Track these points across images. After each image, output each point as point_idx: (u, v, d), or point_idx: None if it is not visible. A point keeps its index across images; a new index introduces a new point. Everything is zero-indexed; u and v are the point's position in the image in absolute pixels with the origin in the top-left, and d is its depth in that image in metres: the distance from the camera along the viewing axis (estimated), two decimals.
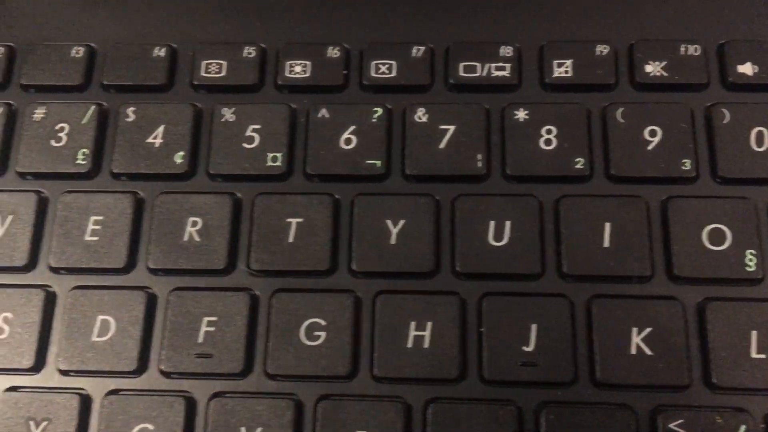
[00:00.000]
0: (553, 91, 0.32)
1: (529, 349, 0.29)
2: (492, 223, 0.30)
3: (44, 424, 0.29)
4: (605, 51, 0.32)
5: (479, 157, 0.31)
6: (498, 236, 0.30)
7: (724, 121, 0.31)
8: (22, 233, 0.31)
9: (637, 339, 0.29)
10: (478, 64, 0.32)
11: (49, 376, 0.30)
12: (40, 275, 0.31)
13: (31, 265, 0.31)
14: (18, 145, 0.33)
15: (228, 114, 0.32)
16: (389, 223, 0.30)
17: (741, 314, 0.28)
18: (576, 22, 0.33)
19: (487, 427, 0.28)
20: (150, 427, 0.28)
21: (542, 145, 0.31)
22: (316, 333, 0.29)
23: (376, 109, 0.32)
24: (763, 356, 0.28)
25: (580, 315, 0.29)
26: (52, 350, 0.30)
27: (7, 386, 0.30)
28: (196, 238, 0.31)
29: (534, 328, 0.29)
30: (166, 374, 0.29)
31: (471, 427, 0.28)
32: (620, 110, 0.31)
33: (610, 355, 0.28)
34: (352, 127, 0.32)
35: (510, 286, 0.30)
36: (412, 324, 0.29)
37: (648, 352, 0.28)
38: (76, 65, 0.33)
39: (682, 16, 0.33)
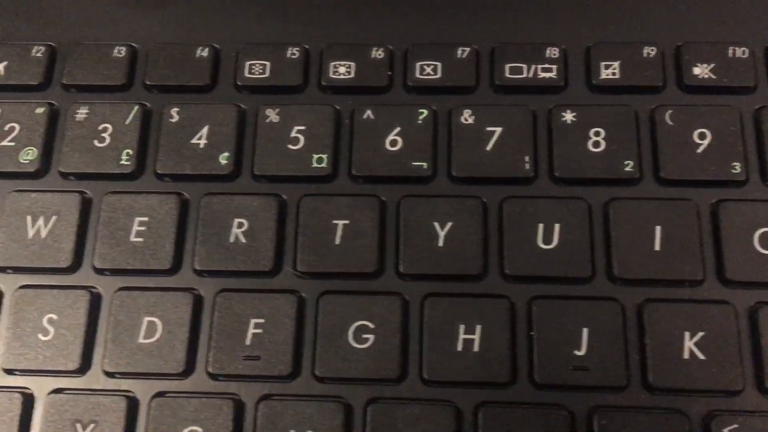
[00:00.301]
0: (600, 92, 0.32)
1: (581, 353, 0.28)
2: (541, 226, 0.30)
3: (91, 426, 0.29)
4: (653, 53, 0.32)
5: (527, 159, 0.31)
6: (547, 239, 0.30)
7: None
8: (66, 234, 0.31)
9: (689, 343, 0.28)
10: (524, 66, 0.32)
11: (94, 378, 0.29)
12: (84, 276, 0.31)
13: (75, 267, 0.31)
14: (61, 145, 0.32)
15: (272, 115, 0.32)
16: (436, 225, 0.30)
17: None
18: (621, 24, 0.33)
19: (538, 431, 0.28)
20: (198, 429, 0.28)
21: (590, 148, 0.31)
22: (365, 336, 0.29)
23: (421, 110, 0.32)
24: None
25: (632, 319, 0.29)
26: (98, 352, 0.30)
27: (52, 388, 0.29)
28: (242, 240, 0.30)
29: (585, 332, 0.29)
30: (214, 376, 0.29)
31: (523, 430, 0.28)
32: (669, 112, 0.31)
33: (663, 359, 0.28)
34: (398, 129, 0.32)
35: (560, 290, 0.29)
36: (461, 327, 0.29)
37: (701, 356, 0.28)
38: (118, 65, 0.33)
39: (729, 18, 0.33)
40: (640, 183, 0.31)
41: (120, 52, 0.33)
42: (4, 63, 0.34)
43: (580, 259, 0.29)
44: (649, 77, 0.32)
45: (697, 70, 0.32)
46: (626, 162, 0.30)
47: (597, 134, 0.31)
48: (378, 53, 0.33)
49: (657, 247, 0.29)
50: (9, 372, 0.30)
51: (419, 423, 0.28)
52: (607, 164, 0.31)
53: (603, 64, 0.32)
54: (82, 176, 0.32)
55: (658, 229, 0.30)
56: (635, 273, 0.29)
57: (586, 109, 0.31)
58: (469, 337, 0.29)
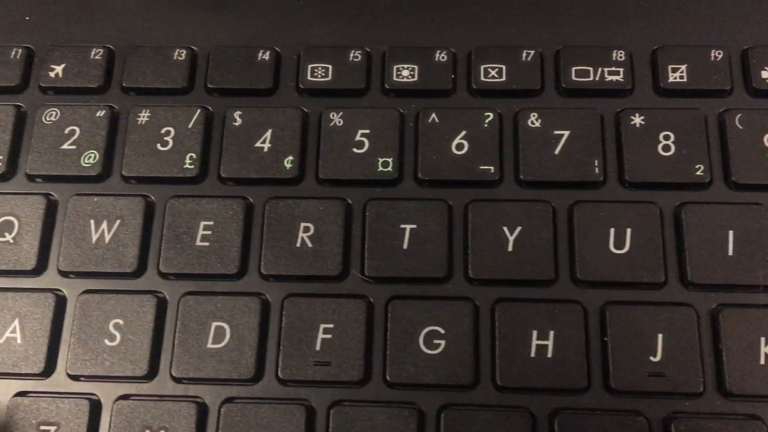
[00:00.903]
0: (668, 96, 0.32)
1: (656, 359, 0.28)
2: (612, 231, 0.30)
3: None
4: (720, 56, 0.32)
5: (596, 162, 0.30)
6: (619, 244, 0.29)
7: None
8: (131, 239, 0.31)
9: (766, 349, 0.28)
10: (590, 69, 0.32)
11: (162, 384, 0.29)
12: (149, 281, 0.30)
13: (140, 271, 0.30)
14: (122, 148, 0.32)
15: (336, 118, 0.32)
16: (505, 229, 0.30)
17: None
18: (687, 27, 0.33)
19: None
20: None
21: (661, 151, 0.31)
22: (436, 341, 0.29)
23: (487, 113, 0.32)
24: None
25: (706, 324, 0.29)
26: (165, 357, 0.29)
27: (120, 394, 0.29)
28: (309, 244, 0.30)
29: (660, 337, 0.28)
30: (283, 382, 0.29)
31: None
32: (738, 116, 0.31)
33: (739, 365, 0.28)
34: (463, 132, 0.31)
35: (633, 295, 0.29)
36: (534, 333, 0.29)
37: None
38: (178, 68, 0.33)
39: None
40: (711, 187, 0.30)
41: (180, 55, 0.33)
42: (63, 65, 0.33)
43: (652, 264, 0.29)
44: (717, 81, 0.32)
45: (765, 74, 0.31)
46: (697, 166, 0.30)
47: (667, 138, 0.31)
48: (441, 56, 0.33)
49: (730, 252, 0.29)
50: (75, 378, 0.29)
51: (493, 429, 0.28)
52: (678, 168, 0.30)
53: (670, 67, 0.32)
54: (144, 180, 0.32)
55: (730, 233, 0.29)
56: (709, 278, 0.29)
57: (655, 113, 0.31)
58: (543, 342, 0.28)
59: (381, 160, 0.31)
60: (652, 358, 0.28)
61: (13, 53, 0.34)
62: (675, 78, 0.32)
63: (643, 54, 0.32)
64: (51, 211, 0.31)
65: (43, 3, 0.35)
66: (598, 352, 0.29)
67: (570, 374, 0.28)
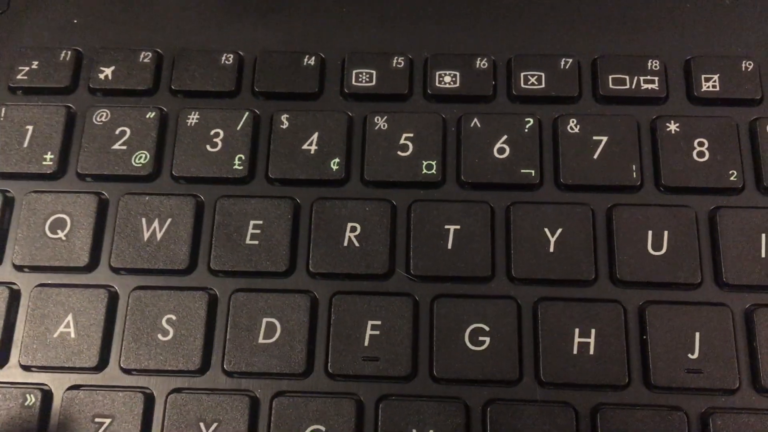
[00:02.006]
0: (701, 104, 0.33)
1: (694, 356, 0.29)
2: (650, 233, 0.31)
3: (214, 425, 0.29)
4: (750, 67, 0.33)
5: (634, 167, 0.32)
6: (657, 246, 0.30)
7: None
8: (182, 237, 0.31)
9: None
10: (626, 77, 0.33)
11: (214, 378, 0.30)
12: (200, 278, 0.31)
13: (191, 269, 0.31)
14: (171, 149, 0.33)
15: (380, 122, 0.33)
16: (546, 231, 0.31)
17: None
18: (718, 38, 0.34)
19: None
20: (321, 428, 0.29)
21: (695, 157, 0.32)
22: (481, 338, 0.30)
23: (527, 119, 0.33)
24: None
25: (740, 323, 0.30)
26: (216, 352, 0.30)
27: (173, 387, 0.30)
28: (356, 244, 0.31)
29: (697, 336, 0.29)
30: (333, 376, 0.30)
31: (640, 431, 0.28)
32: None
33: None
34: (504, 137, 0.32)
35: (671, 295, 0.30)
36: (576, 331, 0.30)
37: None
38: (226, 72, 0.34)
39: None
40: (743, 192, 0.31)
41: (227, 59, 0.34)
42: (112, 68, 0.34)
43: (688, 265, 0.30)
44: (748, 90, 0.33)
45: None
46: (731, 171, 0.31)
47: (701, 144, 0.32)
48: (482, 63, 0.34)
49: (763, 254, 0.30)
50: (127, 372, 0.30)
51: (537, 424, 0.29)
52: (712, 174, 0.31)
53: (703, 77, 0.33)
54: (194, 180, 0.33)
55: (763, 236, 0.30)
56: (743, 279, 0.30)
57: (689, 120, 0.32)
58: (585, 340, 0.29)
59: (425, 163, 0.32)
60: (689, 356, 0.29)
61: (63, 55, 0.34)
62: (708, 87, 0.33)
63: (676, 64, 0.33)
64: (102, 209, 0.32)
65: (90, 6, 0.36)
66: (638, 349, 0.30)
67: (611, 371, 0.29)
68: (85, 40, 0.35)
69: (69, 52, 0.34)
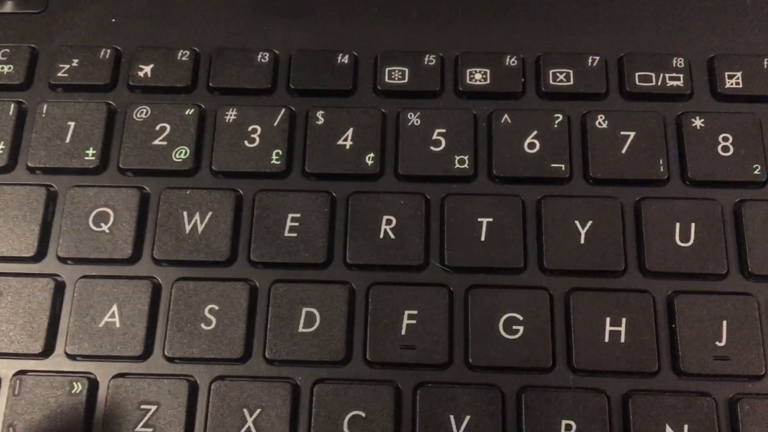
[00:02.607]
0: (725, 101, 0.34)
1: (722, 344, 0.30)
2: (677, 225, 0.32)
3: (258, 411, 0.30)
4: None
5: (661, 162, 0.33)
6: (684, 237, 0.31)
7: None
8: (222, 229, 0.32)
9: None
10: (652, 74, 0.34)
11: (256, 366, 0.31)
12: (240, 269, 0.32)
13: (231, 260, 0.32)
14: (211, 144, 0.34)
15: (413, 118, 0.34)
16: (577, 223, 0.32)
17: None
18: (740, 36, 0.35)
19: (686, 417, 0.29)
20: (362, 413, 0.30)
21: (720, 152, 0.33)
22: (515, 327, 0.31)
23: (557, 115, 0.34)
24: None
25: (765, 312, 0.31)
26: (258, 341, 0.31)
27: (216, 375, 0.31)
28: (392, 236, 0.32)
29: (724, 324, 0.30)
30: (371, 364, 0.31)
31: (670, 416, 0.29)
32: None
33: None
34: (534, 132, 0.33)
35: (698, 285, 0.31)
36: (607, 320, 0.31)
37: None
38: (263, 70, 0.35)
39: None
40: (767, 185, 0.32)
41: (263, 57, 0.35)
42: (151, 66, 0.35)
43: (715, 256, 0.31)
44: None
45: None
46: (754, 166, 0.32)
47: (725, 140, 0.33)
48: (512, 61, 0.35)
49: None
50: (171, 360, 0.31)
51: (571, 409, 0.30)
52: (736, 168, 0.32)
53: (726, 74, 0.34)
54: (232, 174, 0.33)
55: None
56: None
57: (713, 116, 0.33)
58: (616, 329, 0.30)
59: (457, 157, 0.33)
60: (717, 343, 0.30)
61: (102, 53, 0.35)
62: (731, 84, 0.34)
63: (700, 61, 0.34)
64: (144, 203, 0.33)
65: (127, 6, 0.37)
66: (667, 337, 0.31)
67: (641, 358, 0.30)
68: (123, 39, 0.36)
69: (108, 51, 0.35)
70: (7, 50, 0.36)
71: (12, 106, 0.35)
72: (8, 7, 0.37)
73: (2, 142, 0.34)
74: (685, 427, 0.29)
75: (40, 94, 0.35)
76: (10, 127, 0.34)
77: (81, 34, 0.36)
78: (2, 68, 0.35)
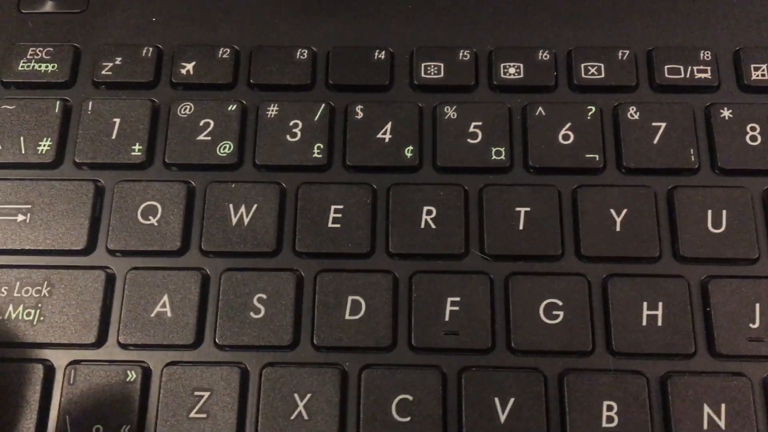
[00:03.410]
0: (751, 92, 0.35)
1: (755, 326, 0.31)
2: (709, 212, 0.33)
3: (308, 396, 0.31)
4: None
5: (692, 151, 0.34)
6: (716, 224, 0.33)
7: None
8: (267, 222, 0.33)
9: None
10: (681, 67, 0.35)
11: (304, 352, 0.32)
12: (286, 259, 0.33)
13: (277, 251, 0.33)
14: (253, 139, 0.35)
15: (450, 112, 0.35)
16: (612, 212, 0.33)
17: None
18: (764, 29, 0.36)
19: (723, 397, 0.30)
20: (409, 397, 0.31)
21: (748, 141, 0.34)
22: (555, 312, 0.32)
23: (590, 107, 0.35)
24: None
25: None
26: (305, 328, 0.32)
27: (266, 362, 0.32)
28: (432, 226, 0.33)
29: (757, 306, 0.31)
30: (416, 349, 0.32)
31: (708, 397, 0.30)
32: None
33: None
34: (568, 124, 0.34)
35: (731, 270, 0.32)
36: (644, 304, 0.32)
37: None
38: (302, 67, 0.36)
39: None
40: None
41: (302, 54, 0.36)
42: (193, 63, 0.36)
43: (746, 241, 0.32)
44: None
45: None
46: None
47: (753, 129, 0.34)
48: (544, 55, 0.36)
49: None
50: (221, 348, 0.32)
51: (611, 391, 0.31)
52: (765, 156, 0.34)
53: (753, 66, 0.35)
54: (275, 168, 0.34)
55: None
56: None
57: (740, 107, 0.34)
58: (653, 313, 0.31)
59: (494, 149, 0.34)
60: (751, 325, 0.31)
61: (145, 51, 0.36)
62: (757, 76, 0.35)
63: (726, 54, 0.36)
64: (190, 196, 0.34)
65: (167, 5, 0.38)
66: (702, 320, 0.32)
67: (678, 341, 0.31)
68: (163, 38, 0.37)
69: (150, 49, 0.36)
70: (51, 49, 0.37)
71: (57, 103, 0.36)
72: (49, 7, 0.38)
73: (49, 139, 0.35)
74: (722, 406, 0.30)
75: (84, 92, 0.36)
76: (57, 124, 0.35)
77: (122, 33, 0.37)
78: (46, 67, 0.36)
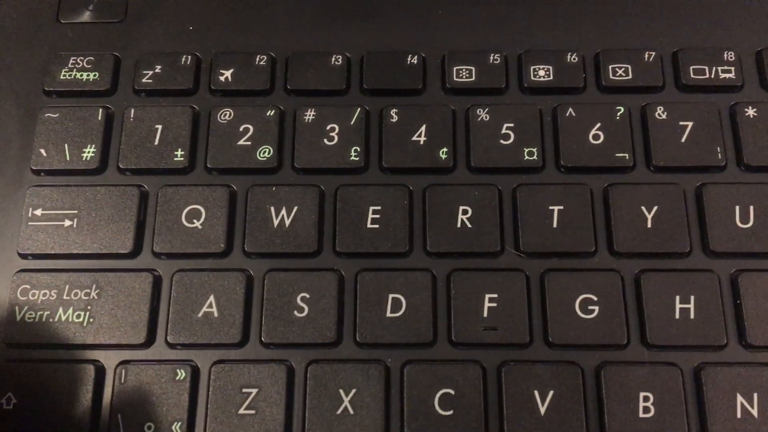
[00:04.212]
0: None
1: None
2: (737, 208, 0.34)
3: (353, 391, 0.32)
4: None
5: (719, 149, 0.35)
6: (744, 220, 0.34)
7: None
8: (307, 223, 0.34)
9: None
10: (705, 68, 0.36)
11: (347, 349, 0.33)
12: (327, 259, 0.34)
13: (318, 252, 0.34)
14: (292, 143, 0.36)
15: (483, 114, 0.36)
16: (643, 209, 0.34)
17: None
18: None
19: (755, 386, 0.31)
20: (451, 391, 0.32)
21: None
22: (590, 307, 0.33)
23: (618, 107, 0.36)
24: None
25: None
26: (347, 326, 0.33)
27: (311, 359, 0.33)
28: (468, 225, 0.34)
29: None
30: (455, 344, 0.33)
31: (741, 386, 0.31)
32: None
33: None
34: (598, 124, 0.35)
35: (760, 264, 0.33)
36: (677, 298, 0.33)
37: None
38: (337, 72, 0.37)
39: None
40: None
41: (337, 60, 0.37)
42: (231, 70, 0.37)
43: None
44: None
45: None
46: None
47: None
48: (573, 58, 0.37)
49: None
50: (266, 346, 0.33)
51: (647, 382, 0.32)
52: None
53: None
54: (314, 171, 0.35)
55: None
56: None
57: (764, 106, 0.35)
58: (685, 306, 0.33)
59: (526, 150, 0.35)
60: None
61: (184, 59, 0.37)
62: None
63: (749, 54, 0.37)
64: (233, 200, 0.35)
65: (203, 14, 0.39)
66: (732, 313, 0.33)
67: (711, 333, 0.32)
68: (201, 46, 0.38)
69: (189, 57, 0.37)
70: (92, 58, 0.38)
71: (100, 111, 0.37)
72: (87, 17, 0.39)
73: (93, 146, 0.36)
74: (755, 395, 0.31)
75: (125, 99, 0.37)
76: (100, 131, 0.36)
77: (160, 41, 0.38)
78: (87, 75, 0.37)
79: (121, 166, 0.36)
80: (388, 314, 0.33)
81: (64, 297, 0.34)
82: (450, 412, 0.32)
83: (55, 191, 0.35)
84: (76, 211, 0.35)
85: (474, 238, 0.34)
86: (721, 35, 0.37)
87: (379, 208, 0.34)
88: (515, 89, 0.37)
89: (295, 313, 0.33)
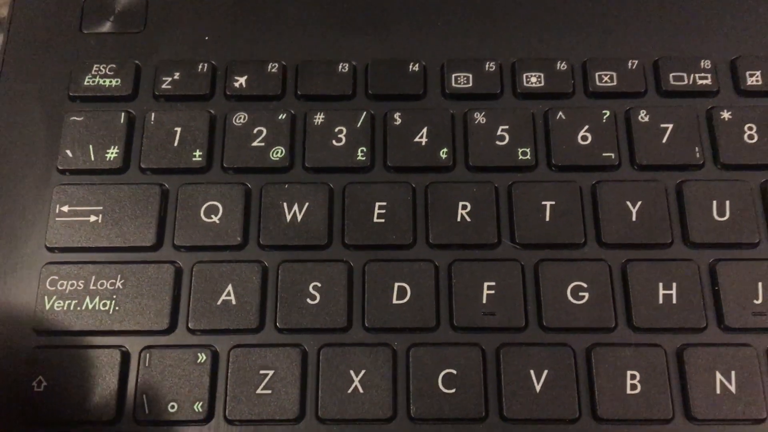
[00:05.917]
0: (747, 96, 0.39)
1: (758, 302, 0.35)
2: (714, 203, 0.37)
3: (362, 372, 0.34)
4: None
5: (697, 149, 0.38)
6: (720, 213, 0.37)
7: None
8: (318, 218, 0.37)
9: None
10: (684, 74, 0.39)
11: (357, 333, 0.35)
12: (336, 251, 0.37)
13: (328, 244, 0.37)
14: (302, 144, 0.38)
15: (479, 117, 0.39)
16: (629, 204, 0.37)
17: None
18: (758, 39, 0.40)
19: (732, 365, 0.34)
20: (454, 371, 0.34)
21: (746, 140, 0.38)
22: (581, 294, 0.35)
23: (604, 111, 0.39)
24: None
25: None
26: (357, 312, 0.36)
27: (323, 343, 0.35)
28: (468, 219, 0.37)
29: (760, 285, 0.35)
30: (457, 329, 0.35)
31: (719, 365, 0.34)
32: None
33: None
34: (586, 126, 0.38)
35: (735, 253, 0.36)
36: (660, 285, 0.35)
37: None
38: (344, 79, 0.40)
39: None
40: None
41: (344, 67, 0.40)
42: (245, 77, 0.40)
43: (748, 228, 0.36)
44: None
45: None
46: None
47: (750, 129, 0.38)
48: (562, 66, 0.40)
49: None
50: (281, 331, 0.35)
51: (633, 363, 0.34)
52: (762, 153, 0.38)
53: (748, 73, 0.39)
54: (323, 170, 0.38)
55: None
56: None
57: (738, 110, 0.39)
58: (668, 292, 0.35)
59: (520, 150, 0.38)
60: (755, 301, 0.35)
61: (200, 67, 0.40)
62: (752, 82, 0.39)
63: (724, 62, 0.40)
64: (248, 196, 0.38)
65: (218, 25, 0.41)
66: (711, 298, 0.35)
67: (691, 317, 0.35)
68: (216, 55, 0.41)
69: (205, 65, 0.40)
70: (114, 66, 0.40)
71: (122, 114, 0.39)
72: (108, 28, 0.42)
73: (116, 147, 0.38)
74: (732, 373, 0.34)
75: (146, 104, 0.40)
76: (122, 133, 0.39)
77: (177, 50, 0.41)
78: (110, 81, 0.40)
79: (142, 166, 0.38)
80: (394, 301, 0.35)
81: (91, 287, 0.36)
82: (453, 391, 0.34)
83: (80, 189, 0.38)
84: (101, 208, 0.37)
85: (473, 231, 0.37)
86: (699, 45, 0.40)
87: (384, 203, 0.37)
88: (509, 94, 0.40)
89: (308, 300, 0.36)
